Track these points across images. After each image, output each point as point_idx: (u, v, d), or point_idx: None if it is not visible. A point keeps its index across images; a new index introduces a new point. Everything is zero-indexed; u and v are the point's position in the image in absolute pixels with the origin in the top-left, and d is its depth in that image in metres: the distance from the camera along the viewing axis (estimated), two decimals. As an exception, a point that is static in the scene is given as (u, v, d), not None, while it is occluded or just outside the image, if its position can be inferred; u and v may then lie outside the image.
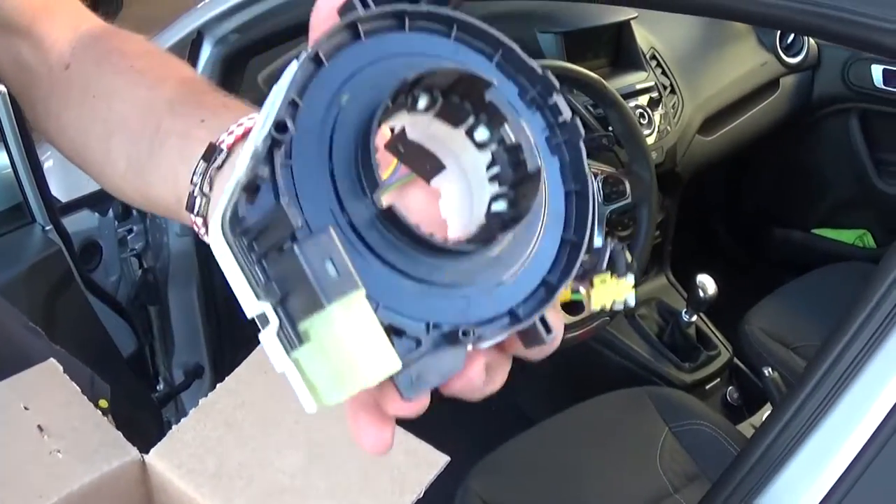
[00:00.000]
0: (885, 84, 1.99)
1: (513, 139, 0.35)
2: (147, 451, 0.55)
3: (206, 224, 0.47)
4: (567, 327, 1.31)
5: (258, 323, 0.30)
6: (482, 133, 0.36)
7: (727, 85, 1.90)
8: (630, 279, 0.37)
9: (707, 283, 1.64)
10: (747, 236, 2.34)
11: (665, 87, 1.77)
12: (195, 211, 0.47)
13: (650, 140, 1.67)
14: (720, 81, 1.89)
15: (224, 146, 0.46)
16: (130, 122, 0.53)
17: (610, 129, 1.50)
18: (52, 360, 0.61)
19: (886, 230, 2.17)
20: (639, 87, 1.71)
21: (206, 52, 1.32)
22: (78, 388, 0.59)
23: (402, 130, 0.35)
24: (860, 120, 2.12)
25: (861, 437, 0.76)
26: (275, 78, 0.33)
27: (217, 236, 0.31)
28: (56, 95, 0.60)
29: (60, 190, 1.36)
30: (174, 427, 0.58)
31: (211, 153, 0.46)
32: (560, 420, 1.46)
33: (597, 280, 0.37)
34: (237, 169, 0.31)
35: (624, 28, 1.76)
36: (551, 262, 0.36)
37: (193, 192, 0.47)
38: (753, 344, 1.72)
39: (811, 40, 2.06)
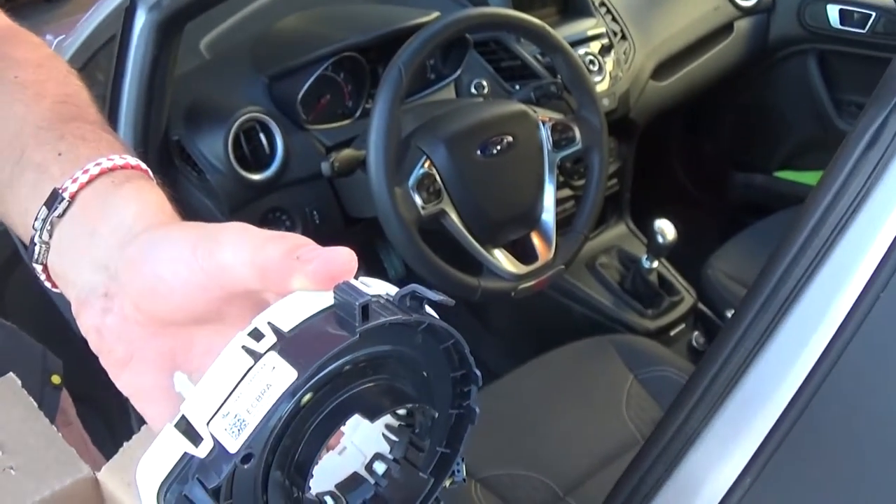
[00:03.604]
0: (841, 24, 1.97)
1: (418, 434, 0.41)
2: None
3: (45, 271, 0.47)
4: (520, 277, 1.29)
5: None
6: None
7: (680, 30, 1.88)
8: None
9: (666, 229, 1.63)
10: (709, 181, 2.33)
11: (616, 34, 1.75)
12: (35, 258, 0.47)
13: (602, 87, 1.66)
14: (672, 26, 1.87)
15: (67, 195, 0.45)
16: (1, 142, 0.51)
17: (558, 76, 1.48)
18: (11, 374, 0.61)
19: (848, 170, 2.16)
20: (589, 33, 1.69)
21: (139, 19, 1.28)
22: (35, 403, 0.58)
23: None
24: (818, 61, 2.10)
25: (801, 372, 0.75)
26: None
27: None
28: None
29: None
30: (125, 444, 0.58)
31: (53, 200, 0.46)
32: (523, 373, 1.45)
33: None
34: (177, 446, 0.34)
35: (572, -25, 1.74)
36: None
37: (34, 237, 0.46)
38: (716, 288, 1.72)
39: (765, -18, 2.05)
